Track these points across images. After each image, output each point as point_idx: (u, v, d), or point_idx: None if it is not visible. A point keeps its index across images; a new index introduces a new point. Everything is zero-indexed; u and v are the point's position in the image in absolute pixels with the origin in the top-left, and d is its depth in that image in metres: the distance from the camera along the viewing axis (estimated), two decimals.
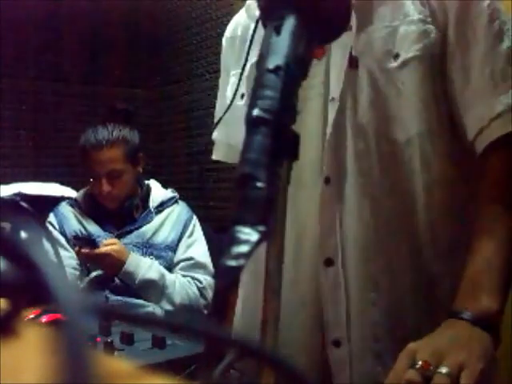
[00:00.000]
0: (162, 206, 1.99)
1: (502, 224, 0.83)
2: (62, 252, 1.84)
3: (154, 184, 2.07)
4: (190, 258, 1.93)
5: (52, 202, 2.04)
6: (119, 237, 1.91)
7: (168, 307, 1.84)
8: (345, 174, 0.88)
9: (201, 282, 1.90)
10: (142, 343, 1.40)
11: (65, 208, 1.99)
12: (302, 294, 0.91)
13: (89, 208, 1.98)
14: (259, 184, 0.39)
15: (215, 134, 1.10)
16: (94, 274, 1.81)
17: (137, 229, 1.95)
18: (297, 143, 0.43)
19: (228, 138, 1.06)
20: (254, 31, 0.79)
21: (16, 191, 2.05)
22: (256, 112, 0.42)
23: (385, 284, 0.87)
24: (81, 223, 1.96)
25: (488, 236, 0.82)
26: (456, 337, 0.72)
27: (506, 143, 0.84)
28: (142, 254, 1.90)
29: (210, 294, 1.91)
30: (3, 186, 2.10)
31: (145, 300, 1.84)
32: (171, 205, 2.01)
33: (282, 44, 0.46)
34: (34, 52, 2.87)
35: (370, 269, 0.88)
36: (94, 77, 3.01)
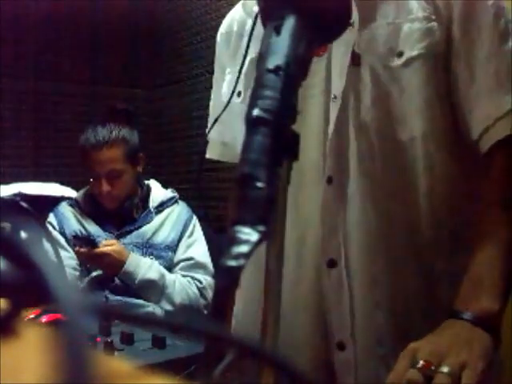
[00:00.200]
0: (161, 206, 1.99)
1: (506, 225, 0.82)
2: (62, 252, 1.84)
3: (153, 184, 2.07)
4: (190, 258, 1.93)
5: (52, 202, 2.04)
6: (119, 237, 1.91)
7: (168, 307, 1.84)
8: (347, 173, 0.87)
9: (201, 282, 1.90)
10: (141, 343, 1.40)
11: (65, 208, 1.99)
12: (304, 296, 0.90)
13: (89, 208, 1.98)
14: (259, 184, 0.39)
15: (210, 133, 1.07)
16: (94, 274, 1.81)
17: (137, 229, 1.95)
18: (297, 143, 0.43)
19: (222, 136, 1.03)
20: (253, 27, 0.78)
21: (16, 191, 2.05)
22: (256, 112, 0.42)
23: (388, 285, 0.86)
24: (81, 223, 1.95)
25: (491, 237, 0.81)
26: (457, 336, 0.72)
27: (510, 143, 0.83)
28: (142, 254, 1.90)
29: (209, 293, 1.91)
30: (3, 186, 2.10)
31: (145, 300, 1.84)
32: (171, 205, 2.01)
33: (282, 44, 0.46)
34: (34, 52, 2.87)
35: (374, 270, 0.86)
36: (93, 77, 3.01)
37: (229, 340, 0.28)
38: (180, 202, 2.04)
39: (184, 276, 1.90)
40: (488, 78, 0.83)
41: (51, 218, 1.96)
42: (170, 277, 1.87)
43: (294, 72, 0.45)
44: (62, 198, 2.10)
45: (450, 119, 0.87)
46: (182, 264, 1.92)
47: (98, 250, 1.80)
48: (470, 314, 0.75)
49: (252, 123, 0.42)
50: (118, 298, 1.83)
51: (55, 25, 2.91)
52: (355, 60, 0.86)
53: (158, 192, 2.04)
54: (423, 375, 0.66)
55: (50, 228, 1.92)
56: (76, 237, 1.90)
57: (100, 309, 0.27)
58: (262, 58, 0.46)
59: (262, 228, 0.37)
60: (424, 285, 0.87)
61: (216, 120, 0.91)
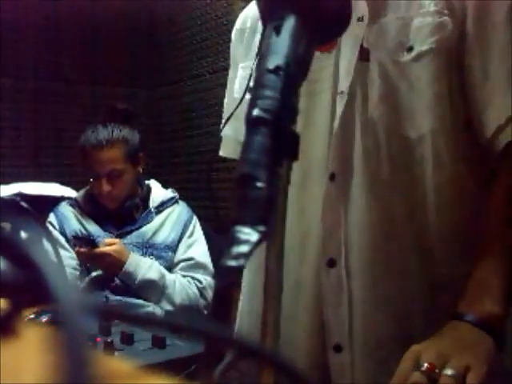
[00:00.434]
0: (162, 206, 1.99)
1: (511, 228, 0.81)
2: (62, 252, 1.84)
3: (154, 184, 2.07)
4: (190, 258, 1.93)
5: (52, 202, 2.04)
6: (119, 237, 1.91)
7: (168, 307, 1.84)
8: (351, 171, 0.85)
9: (201, 282, 1.90)
10: (141, 343, 1.41)
11: (65, 208, 1.99)
12: (305, 296, 0.89)
13: (89, 208, 1.98)
14: (259, 184, 0.39)
15: (224, 130, 1.03)
16: (94, 274, 1.81)
17: (137, 229, 1.95)
18: (297, 143, 0.43)
19: (237, 134, 0.98)
20: None
21: (16, 191, 2.05)
22: (256, 112, 0.42)
23: (389, 287, 0.84)
24: (81, 223, 1.96)
25: (498, 240, 0.80)
26: (459, 338, 0.72)
27: None
28: (142, 254, 1.90)
29: (210, 294, 1.91)
30: (3, 186, 2.10)
31: (145, 300, 1.84)
32: (171, 205, 2.01)
33: (282, 44, 0.46)
34: (34, 52, 2.87)
35: (375, 271, 0.84)
36: (93, 77, 3.01)
37: (229, 340, 0.28)
38: (180, 202, 2.04)
39: (184, 276, 1.90)
40: (501, 76, 0.81)
41: (51, 217, 1.96)
42: (170, 277, 1.87)
43: (294, 72, 0.45)
44: (62, 198, 2.11)
45: (461, 116, 0.84)
46: (182, 264, 1.93)
47: (98, 250, 1.80)
48: (473, 316, 0.74)
49: (252, 123, 0.42)
50: (118, 298, 1.83)
51: (55, 25, 2.91)
52: (364, 55, 0.84)
53: (158, 192, 2.04)
54: (427, 378, 0.66)
55: (51, 228, 1.92)
56: (76, 237, 1.90)
57: (100, 309, 0.27)
58: (262, 58, 0.46)
59: (262, 228, 0.37)
60: (426, 287, 0.85)
61: (229, 117, 0.88)
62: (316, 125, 0.87)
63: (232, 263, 0.36)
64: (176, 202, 2.03)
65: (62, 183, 2.43)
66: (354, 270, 0.85)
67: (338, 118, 0.84)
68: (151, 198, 2.00)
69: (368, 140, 0.84)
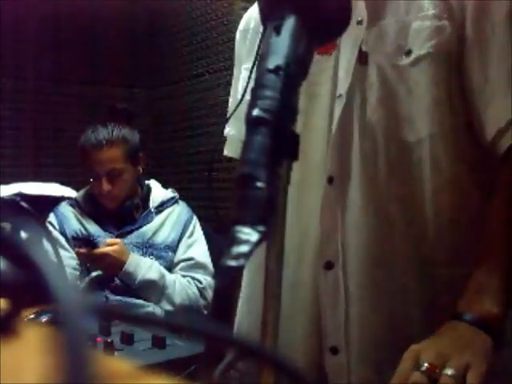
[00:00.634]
0: (162, 206, 1.99)
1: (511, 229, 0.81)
2: (62, 252, 1.84)
3: (154, 184, 2.07)
4: (190, 259, 1.93)
5: (52, 202, 2.04)
6: (119, 237, 1.91)
7: (168, 307, 1.84)
8: (349, 174, 0.85)
9: (201, 282, 1.90)
10: (141, 343, 1.40)
11: (65, 208, 1.99)
12: (302, 298, 0.89)
13: (89, 208, 1.98)
14: (259, 184, 0.39)
15: (227, 130, 1.05)
16: (94, 274, 1.81)
17: (137, 229, 1.95)
18: (297, 143, 0.43)
19: (241, 134, 0.96)
20: None
21: (16, 191, 2.05)
22: (256, 112, 0.42)
23: (386, 290, 0.84)
24: (81, 223, 1.96)
25: (498, 240, 0.80)
26: (459, 338, 0.72)
27: None
28: (142, 254, 1.90)
29: (210, 294, 1.91)
30: (3, 186, 2.10)
31: (145, 300, 1.84)
32: (171, 205, 2.01)
33: (282, 44, 0.46)
34: (34, 52, 2.87)
35: (372, 274, 0.84)
36: (93, 77, 3.01)
37: (229, 340, 0.28)
38: (180, 202, 2.04)
39: (184, 276, 1.90)
40: (500, 77, 0.80)
41: (51, 217, 1.96)
42: (170, 277, 1.87)
43: (294, 72, 0.45)
44: (62, 198, 2.11)
45: (461, 120, 0.84)
46: (182, 264, 1.93)
47: (98, 251, 1.80)
48: (472, 315, 0.74)
49: (252, 123, 0.42)
50: (118, 298, 1.83)
51: (55, 25, 2.91)
52: (362, 58, 0.84)
53: (158, 192, 2.04)
54: (428, 378, 0.66)
55: (51, 228, 1.92)
56: (76, 237, 1.90)
57: (100, 309, 0.27)
58: (262, 58, 0.46)
59: (262, 228, 0.37)
60: (425, 290, 0.84)
61: (229, 118, 0.88)
62: (315, 127, 0.87)
63: (232, 263, 0.36)
64: (176, 201, 2.03)
65: (62, 183, 2.43)
66: (351, 273, 0.85)
67: (336, 121, 0.84)
68: (151, 197, 2.00)
69: (366, 143, 0.84)
